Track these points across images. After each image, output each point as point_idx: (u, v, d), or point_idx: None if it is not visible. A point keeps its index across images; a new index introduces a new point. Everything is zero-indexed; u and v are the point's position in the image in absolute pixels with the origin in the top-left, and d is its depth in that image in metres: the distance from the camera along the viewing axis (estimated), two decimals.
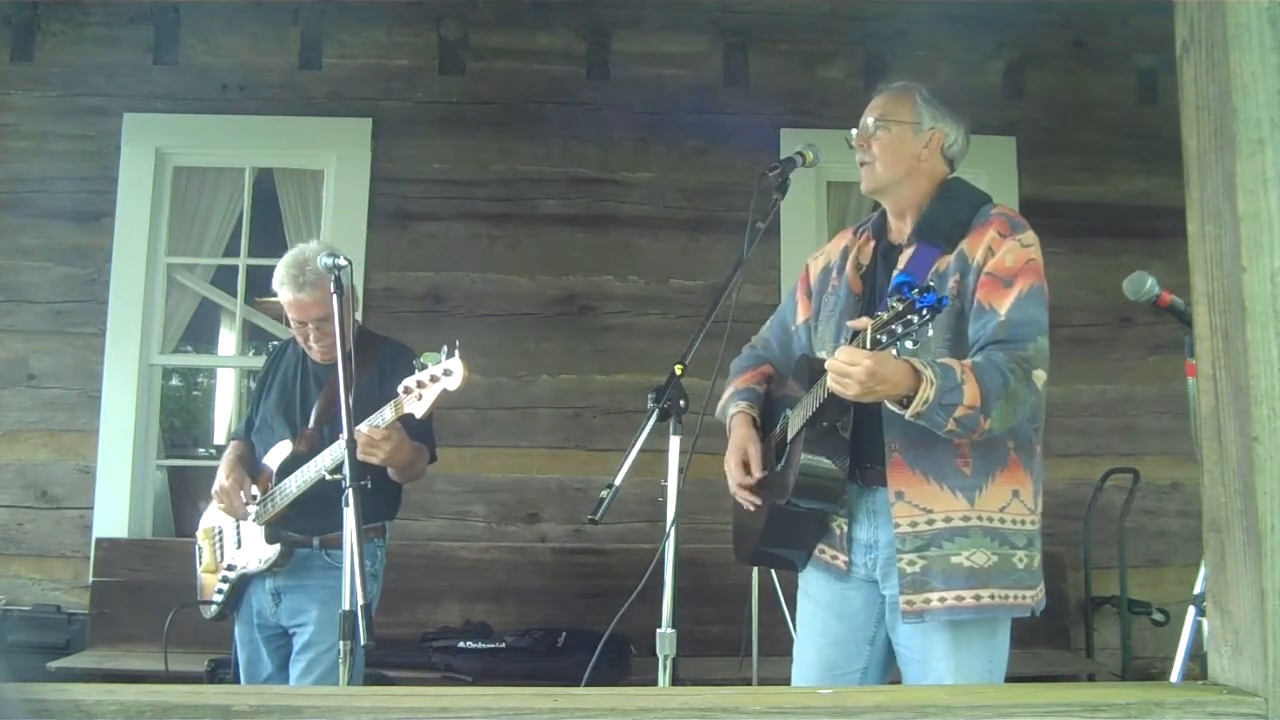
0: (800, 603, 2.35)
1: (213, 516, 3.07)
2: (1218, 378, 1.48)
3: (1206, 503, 1.51)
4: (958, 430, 1.95)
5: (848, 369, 1.87)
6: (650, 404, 2.07)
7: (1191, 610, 2.49)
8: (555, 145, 4.62)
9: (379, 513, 2.90)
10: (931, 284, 1.86)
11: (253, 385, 3.21)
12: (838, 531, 2.20)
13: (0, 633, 4.13)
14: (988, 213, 2.17)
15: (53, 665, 3.84)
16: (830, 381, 1.92)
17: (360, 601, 2.20)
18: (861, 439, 2.10)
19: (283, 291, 2.85)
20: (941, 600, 2.05)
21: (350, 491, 2.33)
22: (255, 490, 2.90)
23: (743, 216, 2.21)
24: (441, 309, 4.53)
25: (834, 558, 2.22)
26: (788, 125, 4.55)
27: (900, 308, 1.83)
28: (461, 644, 3.92)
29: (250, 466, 2.97)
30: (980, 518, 2.07)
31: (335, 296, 2.50)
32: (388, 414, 2.64)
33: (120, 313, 4.41)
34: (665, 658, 1.92)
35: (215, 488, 2.92)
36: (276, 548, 2.82)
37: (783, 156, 2.31)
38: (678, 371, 2.03)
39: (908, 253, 2.19)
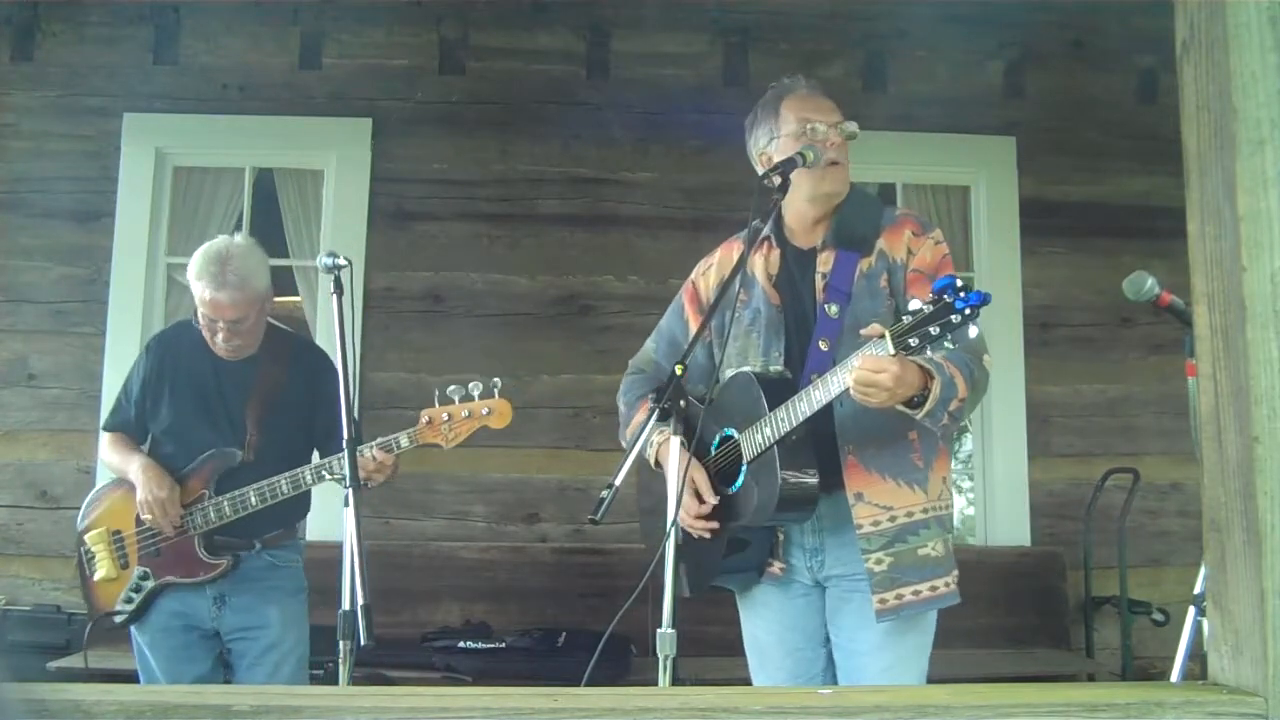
0: (748, 626, 2.36)
1: (102, 517, 2.84)
2: (1218, 378, 1.48)
3: (1206, 503, 1.51)
4: (949, 425, 1.98)
5: (874, 378, 1.86)
6: (650, 404, 2.06)
7: (1191, 610, 2.50)
8: (555, 145, 4.62)
9: (295, 514, 2.89)
10: (969, 283, 1.79)
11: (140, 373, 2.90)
12: (775, 539, 2.25)
13: (0, 633, 4.13)
14: (893, 215, 2.24)
15: (53, 665, 3.83)
16: (855, 392, 1.91)
17: (361, 601, 2.19)
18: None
19: (199, 286, 2.73)
20: (916, 594, 2.09)
21: (351, 492, 2.31)
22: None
23: (743, 216, 2.21)
24: (441, 309, 4.53)
25: (771, 565, 2.26)
26: None
27: (932, 309, 1.78)
28: (461, 644, 3.92)
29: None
30: (931, 508, 2.12)
31: (335, 297, 2.45)
32: (403, 441, 2.62)
33: (120, 313, 4.41)
34: (665, 658, 1.91)
35: (149, 497, 2.70)
36: (225, 561, 2.75)
37: None
38: (678, 372, 2.03)
39: (824, 257, 2.22)
